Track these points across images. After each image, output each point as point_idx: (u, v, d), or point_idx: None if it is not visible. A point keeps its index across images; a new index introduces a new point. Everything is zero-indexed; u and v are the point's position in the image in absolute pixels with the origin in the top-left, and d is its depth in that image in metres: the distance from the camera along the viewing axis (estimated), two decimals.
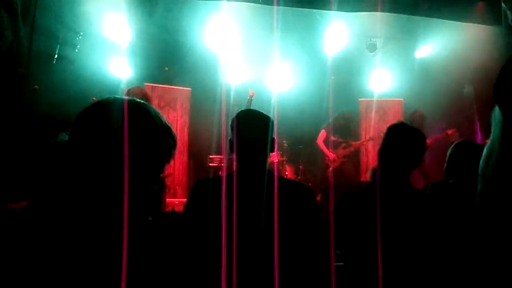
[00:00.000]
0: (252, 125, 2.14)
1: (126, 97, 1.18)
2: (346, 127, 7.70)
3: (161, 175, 1.23)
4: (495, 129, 0.92)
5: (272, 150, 2.17)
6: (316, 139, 7.58)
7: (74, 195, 1.09)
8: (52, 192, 1.14)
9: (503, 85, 0.90)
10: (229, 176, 2.06)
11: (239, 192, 1.96)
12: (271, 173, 2.11)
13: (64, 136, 1.24)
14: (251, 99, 7.49)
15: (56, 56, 7.01)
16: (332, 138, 7.52)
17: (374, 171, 2.34)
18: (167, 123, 1.22)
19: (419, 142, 2.26)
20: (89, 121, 1.13)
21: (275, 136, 2.21)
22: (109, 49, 7.55)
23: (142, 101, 1.21)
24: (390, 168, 2.28)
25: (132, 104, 1.16)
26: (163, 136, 1.19)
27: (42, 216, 1.06)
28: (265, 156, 2.15)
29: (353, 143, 7.74)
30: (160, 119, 1.19)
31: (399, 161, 2.25)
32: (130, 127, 1.10)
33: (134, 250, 1.10)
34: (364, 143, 8.03)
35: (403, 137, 2.27)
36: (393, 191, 2.24)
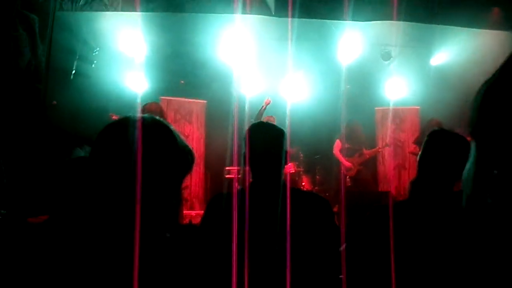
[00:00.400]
0: (265, 138, 2.12)
1: (145, 115, 1.20)
2: (359, 136, 7.71)
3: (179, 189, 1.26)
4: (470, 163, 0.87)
5: (286, 163, 2.14)
6: (333, 150, 7.60)
7: (94, 211, 1.11)
8: (73, 207, 1.18)
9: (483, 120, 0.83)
10: (243, 190, 2.05)
11: (254, 206, 1.93)
12: (285, 185, 2.08)
13: (79, 152, 1.30)
14: (265, 107, 7.52)
15: (73, 71, 7.11)
16: (346, 145, 7.56)
17: (413, 183, 2.15)
18: (185, 141, 1.25)
19: (464, 149, 1.92)
20: (110, 139, 1.15)
21: (288, 148, 2.18)
22: (125, 64, 7.66)
23: (161, 119, 1.23)
24: (433, 179, 2.06)
25: (151, 122, 1.19)
26: (182, 154, 1.21)
27: (63, 231, 1.09)
28: (279, 169, 2.13)
29: (366, 151, 7.72)
30: (179, 137, 1.22)
31: (443, 171, 2.03)
32: (150, 145, 1.12)
33: (152, 266, 1.13)
34: (379, 150, 8.02)
35: (447, 144, 2.06)
36: (436, 205, 2.01)
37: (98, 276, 1.03)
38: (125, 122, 1.17)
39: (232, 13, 6.86)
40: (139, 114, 1.22)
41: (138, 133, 1.12)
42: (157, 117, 1.24)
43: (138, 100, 7.27)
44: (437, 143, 2.10)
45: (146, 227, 1.11)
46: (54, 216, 1.17)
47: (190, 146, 1.26)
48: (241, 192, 2.02)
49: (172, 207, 1.23)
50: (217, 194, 2.24)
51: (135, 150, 1.09)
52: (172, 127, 1.24)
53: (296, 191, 2.17)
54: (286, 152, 2.14)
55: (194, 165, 1.26)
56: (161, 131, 1.19)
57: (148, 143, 1.12)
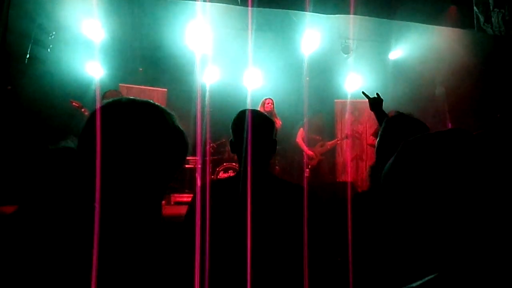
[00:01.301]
0: (257, 126, 2.07)
1: (137, 98, 1.17)
2: (321, 127, 7.85)
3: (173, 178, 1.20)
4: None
5: (274, 151, 2.17)
6: (295, 139, 7.66)
7: (78, 199, 1.06)
8: (48, 196, 1.10)
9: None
10: (235, 179, 2.07)
11: (244, 196, 1.94)
12: (272, 175, 2.14)
13: (67, 143, 1.22)
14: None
15: (28, 56, 6.86)
16: (309, 136, 7.60)
17: (373, 169, 2.21)
18: (179, 125, 1.19)
19: (421, 131, 1.89)
20: (102, 125, 1.08)
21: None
22: (82, 49, 7.48)
23: (156, 103, 1.18)
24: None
25: (146, 105, 1.15)
26: (177, 138, 1.17)
27: (35, 221, 1.03)
28: (267, 158, 2.15)
29: (328, 142, 7.82)
30: (173, 121, 1.17)
31: None
32: (144, 130, 1.09)
33: (138, 256, 1.11)
34: (338, 141, 8.10)
35: (404, 125, 2.09)
36: None
37: (75, 266, 0.98)
38: (116, 105, 1.12)
39: (195, 0, 6.80)
40: (122, 97, 1.17)
41: (129, 116, 1.09)
42: (150, 100, 1.19)
43: (97, 87, 7.28)
44: (395, 126, 2.13)
45: (137, 216, 1.11)
46: (25, 206, 1.08)
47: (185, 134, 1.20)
48: (234, 180, 2.04)
49: (162, 195, 1.18)
50: (202, 184, 2.19)
51: (128, 135, 1.06)
52: (167, 110, 1.19)
53: (280, 180, 2.18)
54: (274, 141, 2.16)
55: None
56: (155, 113, 1.14)
57: (142, 128, 1.09)
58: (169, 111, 1.19)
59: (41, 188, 1.14)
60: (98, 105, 1.12)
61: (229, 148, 2.22)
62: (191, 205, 2.09)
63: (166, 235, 1.29)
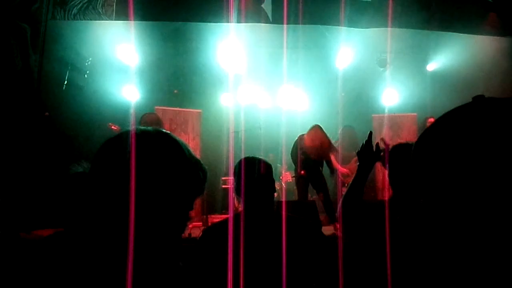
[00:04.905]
0: (256, 172, 2.36)
1: (149, 127, 1.16)
2: (355, 142, 7.58)
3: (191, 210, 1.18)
4: None
5: (274, 191, 2.49)
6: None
7: (92, 230, 1.06)
8: (72, 224, 1.12)
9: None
10: (237, 217, 2.30)
11: (248, 233, 2.17)
12: (277, 213, 2.38)
13: (77, 168, 1.21)
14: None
15: (66, 82, 7.07)
16: (342, 152, 7.43)
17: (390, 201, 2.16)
18: (195, 155, 1.19)
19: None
20: (112, 154, 1.09)
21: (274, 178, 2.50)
22: (118, 73, 7.66)
23: (168, 132, 1.18)
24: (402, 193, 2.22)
25: (158, 135, 1.14)
26: (192, 169, 1.15)
27: (67, 248, 1.03)
28: (270, 198, 2.45)
29: None
30: (188, 151, 1.16)
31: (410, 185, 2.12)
32: (155, 160, 1.07)
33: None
34: None
35: (405, 158, 2.11)
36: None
37: None
38: (127, 136, 1.09)
39: (228, 22, 6.87)
40: (139, 126, 1.17)
41: (143, 145, 1.07)
42: (162, 129, 1.18)
43: (132, 110, 7.34)
44: (398, 157, 2.21)
45: (152, 249, 1.09)
46: (57, 233, 1.09)
47: (202, 162, 1.20)
48: (236, 219, 2.24)
49: (180, 227, 1.16)
50: (209, 228, 2.53)
51: (140, 166, 1.02)
52: (180, 140, 1.17)
53: (289, 218, 2.34)
54: (273, 181, 2.47)
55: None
56: (168, 144, 1.13)
57: (153, 157, 1.07)
58: (181, 141, 1.18)
59: (76, 212, 1.15)
60: (132, 128, 1.13)
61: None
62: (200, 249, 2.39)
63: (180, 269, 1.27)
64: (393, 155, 2.24)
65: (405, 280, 1.77)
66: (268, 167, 2.44)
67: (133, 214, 1.00)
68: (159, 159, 1.08)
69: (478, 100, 0.83)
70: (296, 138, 6.80)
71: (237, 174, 2.39)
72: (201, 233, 2.51)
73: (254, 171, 2.35)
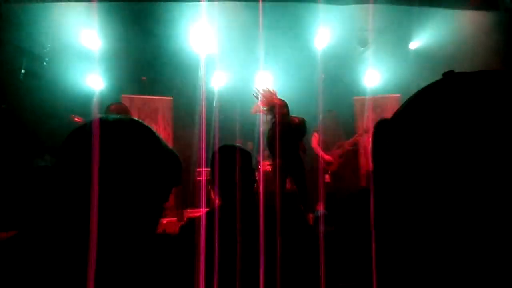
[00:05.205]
0: (233, 162, 2.21)
1: (122, 116, 1.10)
2: (336, 127, 7.44)
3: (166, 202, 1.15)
4: None
5: (254, 182, 2.36)
6: (311, 144, 7.22)
7: (61, 227, 1.01)
8: (39, 221, 1.04)
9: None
10: (211, 213, 2.09)
11: (225, 230, 1.99)
12: (256, 206, 2.14)
13: (40, 162, 1.18)
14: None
15: (23, 71, 6.74)
16: (325, 139, 7.20)
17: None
18: (169, 146, 1.15)
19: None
20: (80, 146, 1.01)
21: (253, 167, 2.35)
22: (80, 61, 7.35)
23: (141, 121, 1.12)
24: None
25: (132, 123, 1.09)
26: (167, 159, 1.12)
27: (31, 247, 0.98)
28: (249, 190, 2.28)
29: (346, 142, 7.36)
30: (162, 140, 1.13)
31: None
32: (132, 149, 1.03)
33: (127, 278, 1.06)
34: (358, 138, 7.58)
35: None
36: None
37: None
38: (97, 124, 1.03)
39: (199, 0, 6.68)
40: (108, 115, 1.10)
41: (115, 136, 1.03)
42: (136, 118, 1.12)
43: (97, 100, 7.16)
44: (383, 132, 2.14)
45: (123, 246, 1.06)
46: (23, 231, 1.02)
47: (176, 153, 1.16)
48: (211, 215, 2.04)
49: (154, 222, 1.12)
50: (187, 223, 2.31)
51: (112, 157, 0.99)
52: (154, 129, 1.13)
53: (269, 207, 2.17)
54: (254, 171, 2.35)
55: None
56: (142, 132, 1.08)
57: (127, 147, 1.03)
58: (155, 130, 1.13)
59: (35, 210, 1.10)
60: (103, 116, 1.08)
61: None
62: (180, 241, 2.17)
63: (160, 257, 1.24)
64: (376, 131, 2.23)
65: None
66: (246, 155, 2.30)
67: (102, 208, 0.97)
68: (133, 148, 1.04)
69: (448, 75, 0.82)
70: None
71: (212, 164, 2.24)
72: (178, 230, 2.32)
73: (231, 161, 2.21)
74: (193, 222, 2.27)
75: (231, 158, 2.21)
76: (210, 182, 2.38)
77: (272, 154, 6.31)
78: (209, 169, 2.42)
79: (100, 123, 1.02)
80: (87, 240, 0.96)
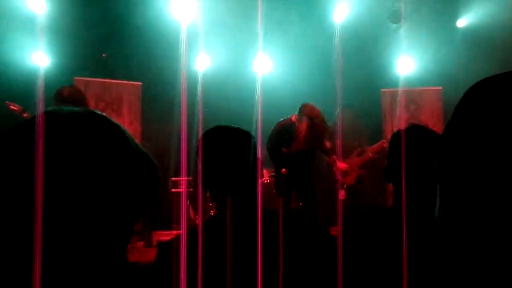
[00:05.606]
0: (228, 150, 1.71)
1: (79, 108, 0.91)
2: (357, 127, 6.99)
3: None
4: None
5: (260, 177, 1.84)
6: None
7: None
8: None
9: None
10: (208, 225, 1.76)
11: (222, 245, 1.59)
12: (266, 211, 1.72)
13: None
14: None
15: None
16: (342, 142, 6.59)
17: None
18: (142, 147, 0.97)
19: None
20: (25, 149, 0.82)
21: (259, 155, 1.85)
22: (20, 32, 6.53)
23: (105, 115, 0.92)
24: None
25: (93, 117, 0.90)
26: (140, 164, 0.92)
27: None
28: (252, 192, 1.74)
29: (369, 147, 6.78)
30: (133, 140, 0.93)
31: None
32: (93, 152, 0.85)
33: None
34: (384, 144, 6.71)
35: (417, 142, 1.77)
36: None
37: None
38: (45, 119, 0.86)
39: None
40: (59, 105, 1.00)
41: (70, 133, 0.84)
42: (98, 111, 0.94)
43: (41, 82, 6.15)
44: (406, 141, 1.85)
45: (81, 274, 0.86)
46: None
47: (152, 156, 1.00)
48: (207, 227, 1.70)
49: (121, 247, 0.92)
50: (165, 245, 1.77)
51: (66, 160, 0.82)
52: (121, 125, 0.93)
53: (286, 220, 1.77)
54: (257, 160, 1.82)
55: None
56: (107, 130, 0.89)
57: (85, 152, 0.85)
58: (124, 128, 0.93)
59: None
60: (40, 109, 0.90)
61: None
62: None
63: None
64: (408, 140, 1.78)
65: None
66: (247, 138, 1.73)
67: (51, 232, 0.81)
68: (95, 151, 0.86)
69: None
70: (275, 125, 5.99)
71: (197, 155, 1.73)
72: (154, 256, 1.74)
73: (228, 147, 1.68)
74: (169, 245, 1.74)
75: (227, 143, 1.71)
76: (190, 195, 1.79)
77: (274, 161, 6.00)
78: (192, 170, 1.74)
79: (49, 118, 0.85)
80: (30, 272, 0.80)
